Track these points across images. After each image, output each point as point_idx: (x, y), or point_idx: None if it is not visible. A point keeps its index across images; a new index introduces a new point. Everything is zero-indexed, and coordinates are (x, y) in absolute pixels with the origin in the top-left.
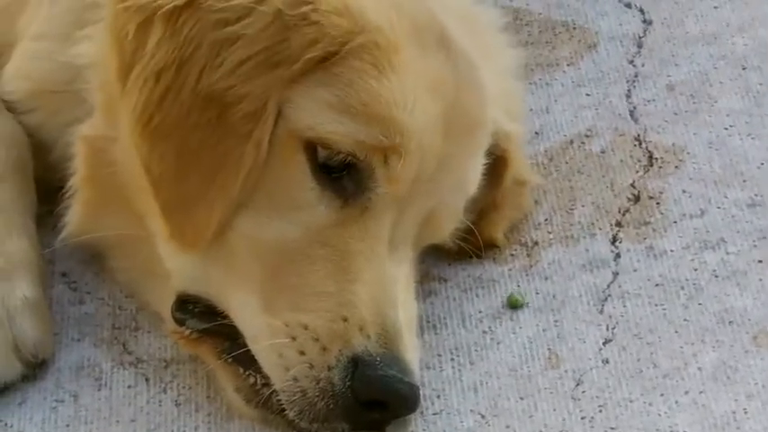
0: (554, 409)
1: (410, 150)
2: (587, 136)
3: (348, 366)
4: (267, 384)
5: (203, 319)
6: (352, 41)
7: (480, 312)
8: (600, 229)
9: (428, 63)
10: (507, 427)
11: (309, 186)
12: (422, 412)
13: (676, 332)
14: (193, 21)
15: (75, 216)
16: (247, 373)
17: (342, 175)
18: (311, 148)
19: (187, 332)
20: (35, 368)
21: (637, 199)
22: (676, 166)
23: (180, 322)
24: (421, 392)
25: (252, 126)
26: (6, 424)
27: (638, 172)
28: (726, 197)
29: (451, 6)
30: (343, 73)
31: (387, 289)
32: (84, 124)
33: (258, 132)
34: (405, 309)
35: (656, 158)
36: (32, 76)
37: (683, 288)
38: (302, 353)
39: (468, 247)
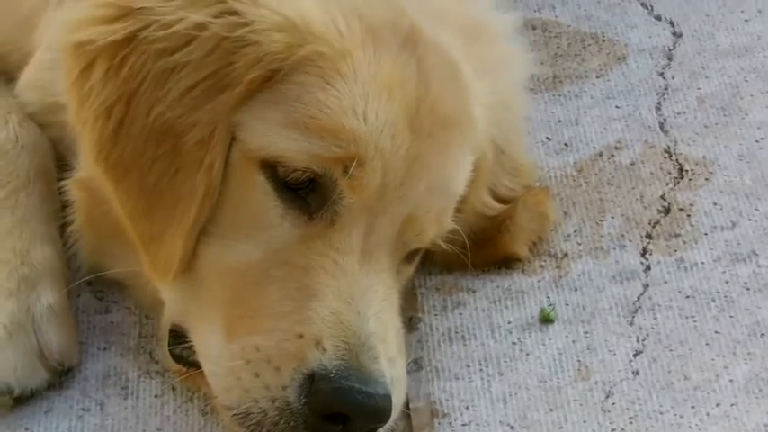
0: (584, 421)
1: (368, 156)
2: (617, 148)
3: (304, 383)
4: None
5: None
6: (294, 55)
7: (509, 323)
8: (630, 240)
9: (384, 64)
10: None
11: (272, 205)
12: (450, 423)
13: (707, 344)
14: (135, 54)
15: (85, 258)
16: None
17: (306, 191)
18: (270, 167)
19: (185, 368)
20: (61, 376)
21: (667, 211)
22: (707, 179)
23: (177, 358)
24: (393, 402)
25: (203, 153)
26: None
27: (668, 184)
28: (757, 210)
29: (453, 16)
30: (290, 89)
31: (351, 301)
32: (77, 170)
33: (209, 158)
34: (379, 319)
35: (687, 171)
36: (44, 86)
37: (714, 300)
38: (257, 375)
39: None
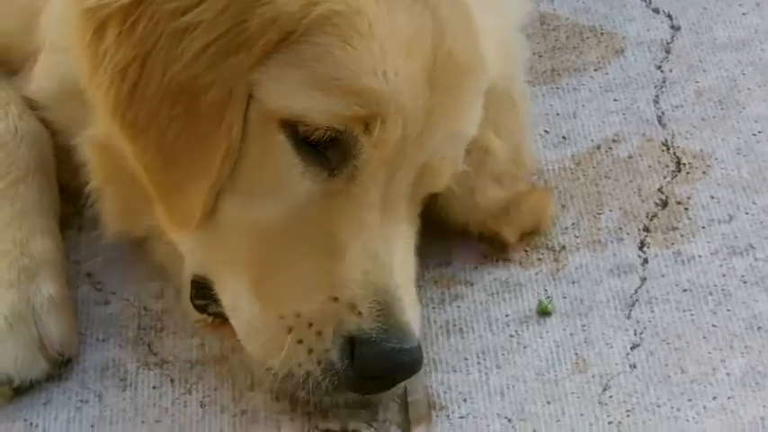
0: (581, 414)
1: (389, 114)
2: (615, 141)
3: (345, 345)
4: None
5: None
6: (310, 14)
7: (507, 316)
8: (627, 234)
9: (399, 20)
10: (534, 431)
11: (293, 163)
12: (448, 416)
13: (704, 338)
14: (147, 15)
15: (108, 218)
16: None
17: (326, 147)
18: (291, 125)
19: (210, 319)
20: (60, 367)
21: (664, 204)
22: (704, 172)
23: (201, 309)
24: (424, 353)
25: (222, 112)
26: (31, 423)
27: (665, 177)
28: (754, 203)
29: None
30: (308, 49)
31: (378, 259)
32: (90, 128)
33: (228, 117)
34: (402, 269)
35: (684, 164)
36: (58, 78)
37: (711, 294)
38: (300, 341)
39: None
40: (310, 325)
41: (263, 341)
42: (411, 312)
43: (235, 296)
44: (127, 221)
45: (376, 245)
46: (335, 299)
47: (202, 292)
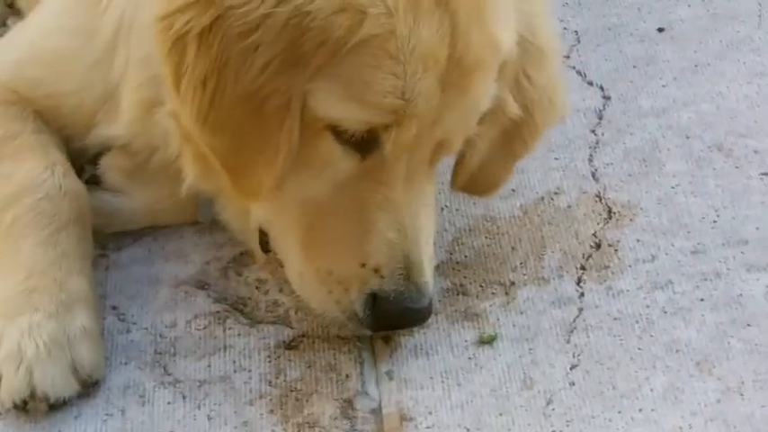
0: (528, 425)
1: (405, 121)
2: (556, 193)
3: (367, 300)
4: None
5: None
6: (353, 38)
7: (466, 341)
8: (567, 271)
9: (423, 34)
10: None
11: (335, 149)
12: (416, 426)
13: (632, 359)
14: (220, 36)
15: (189, 170)
16: None
17: (360, 139)
18: (333, 126)
19: (273, 257)
20: (89, 387)
21: (598, 246)
22: (631, 219)
23: (266, 250)
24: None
25: (283, 116)
26: None
27: (599, 224)
28: (672, 245)
29: None
30: (349, 67)
31: (402, 229)
32: (167, 105)
33: (289, 122)
34: (423, 237)
35: (614, 212)
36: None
37: (637, 322)
38: (330, 292)
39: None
40: (340, 282)
41: (304, 287)
42: (430, 274)
43: (286, 249)
44: (203, 179)
45: (401, 219)
46: (363, 264)
47: (266, 239)
